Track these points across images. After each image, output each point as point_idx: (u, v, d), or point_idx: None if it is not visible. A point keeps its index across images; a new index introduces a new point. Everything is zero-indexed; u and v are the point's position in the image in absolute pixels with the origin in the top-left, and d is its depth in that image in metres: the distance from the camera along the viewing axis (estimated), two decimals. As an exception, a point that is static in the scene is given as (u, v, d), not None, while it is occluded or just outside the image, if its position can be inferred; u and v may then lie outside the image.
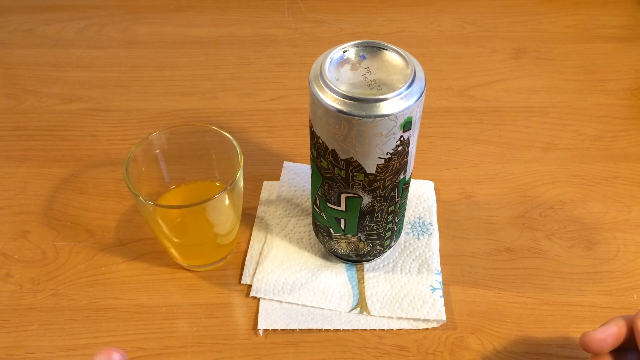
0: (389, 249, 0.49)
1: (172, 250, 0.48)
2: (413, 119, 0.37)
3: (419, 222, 0.52)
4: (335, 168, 0.40)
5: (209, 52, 0.71)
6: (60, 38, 0.73)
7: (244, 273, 0.49)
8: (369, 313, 0.46)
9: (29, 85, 0.67)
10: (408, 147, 0.39)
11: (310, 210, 0.52)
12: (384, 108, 0.35)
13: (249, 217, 0.53)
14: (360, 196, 0.41)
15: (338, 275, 0.49)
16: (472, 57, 0.70)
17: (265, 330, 0.46)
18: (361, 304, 0.47)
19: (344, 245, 0.47)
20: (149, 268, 0.50)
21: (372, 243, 0.46)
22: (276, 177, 0.56)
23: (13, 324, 0.46)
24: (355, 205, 0.42)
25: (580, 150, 0.60)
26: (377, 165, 0.39)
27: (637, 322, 0.37)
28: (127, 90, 0.66)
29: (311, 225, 0.51)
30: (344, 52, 0.38)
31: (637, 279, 0.49)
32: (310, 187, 0.46)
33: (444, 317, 0.46)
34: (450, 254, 0.51)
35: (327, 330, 0.46)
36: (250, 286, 0.48)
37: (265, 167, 0.58)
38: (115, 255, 0.51)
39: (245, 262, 0.50)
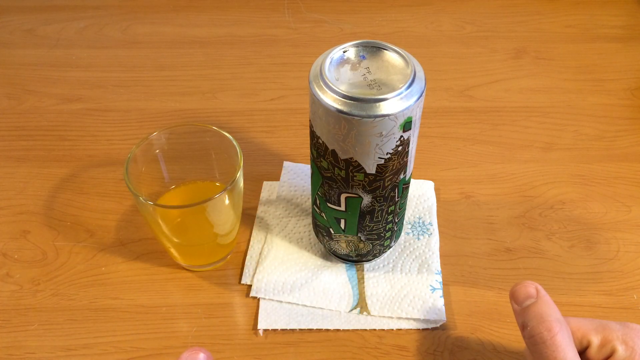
0: (389, 249, 0.49)
1: (172, 250, 0.48)
2: (413, 119, 0.37)
3: (419, 222, 0.52)
4: (335, 168, 0.40)
5: (209, 52, 0.71)
6: (60, 38, 0.73)
7: (244, 273, 0.49)
8: (369, 313, 0.46)
9: (29, 85, 0.67)
10: (408, 147, 0.39)
11: (310, 210, 0.52)
12: (384, 108, 0.35)
13: (249, 217, 0.53)
14: (360, 196, 0.41)
15: (338, 275, 0.49)
16: (472, 57, 0.70)
17: (265, 330, 0.46)
18: (361, 304, 0.47)
19: (344, 245, 0.47)
20: (149, 268, 0.50)
21: (372, 243, 0.46)
22: (276, 177, 0.56)
23: (13, 324, 0.46)
24: (355, 205, 0.42)
25: (580, 150, 0.60)
26: (377, 165, 0.39)
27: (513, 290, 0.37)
28: (127, 90, 0.66)
29: (311, 225, 0.51)
30: (344, 52, 0.38)
31: (637, 279, 0.49)
32: (310, 187, 0.46)
33: (444, 317, 0.46)
34: (450, 254, 0.51)
35: (327, 330, 0.46)
36: (250, 286, 0.48)
37: (265, 167, 0.58)
38: (115, 255, 0.51)
39: (245, 262, 0.50)
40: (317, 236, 0.49)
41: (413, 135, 0.39)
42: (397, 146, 0.38)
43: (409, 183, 0.44)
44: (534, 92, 0.66)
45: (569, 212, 0.54)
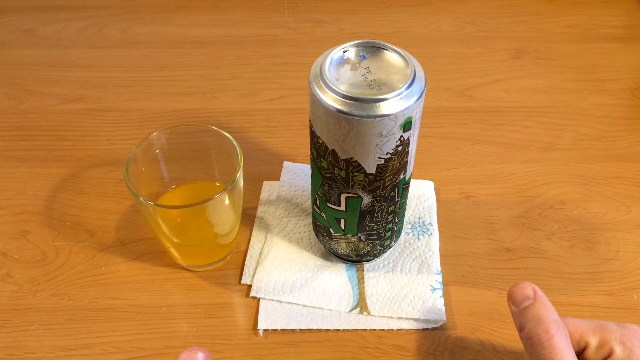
0: (389, 249, 0.49)
1: (172, 250, 0.48)
2: (413, 119, 0.37)
3: (419, 222, 0.52)
4: (335, 168, 0.40)
5: (209, 52, 0.71)
6: (60, 38, 0.73)
7: (244, 273, 0.49)
8: (369, 313, 0.46)
9: (29, 85, 0.67)
10: (408, 147, 0.39)
11: (310, 210, 0.52)
12: (384, 108, 0.35)
13: (249, 217, 0.53)
14: (360, 196, 0.41)
15: (338, 275, 0.49)
16: (472, 57, 0.70)
17: (265, 330, 0.46)
18: (361, 304, 0.47)
19: (344, 245, 0.47)
20: (149, 268, 0.50)
21: (372, 243, 0.46)
22: (276, 177, 0.56)
23: (13, 324, 0.46)
24: (355, 205, 0.42)
25: (580, 150, 0.60)
26: (377, 165, 0.39)
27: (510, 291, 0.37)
28: (127, 90, 0.66)
29: (311, 225, 0.51)
30: (344, 52, 0.38)
31: (637, 279, 0.49)
32: (310, 187, 0.46)
33: (444, 317, 0.46)
34: (450, 254, 0.51)
35: (327, 330, 0.46)
36: (250, 286, 0.48)
37: (265, 167, 0.58)
38: (115, 255, 0.51)
39: (245, 262, 0.50)
40: (317, 236, 0.49)
41: (413, 135, 0.39)
42: (397, 146, 0.38)
43: (409, 183, 0.44)
44: (534, 92, 0.66)
45: (569, 212, 0.54)
